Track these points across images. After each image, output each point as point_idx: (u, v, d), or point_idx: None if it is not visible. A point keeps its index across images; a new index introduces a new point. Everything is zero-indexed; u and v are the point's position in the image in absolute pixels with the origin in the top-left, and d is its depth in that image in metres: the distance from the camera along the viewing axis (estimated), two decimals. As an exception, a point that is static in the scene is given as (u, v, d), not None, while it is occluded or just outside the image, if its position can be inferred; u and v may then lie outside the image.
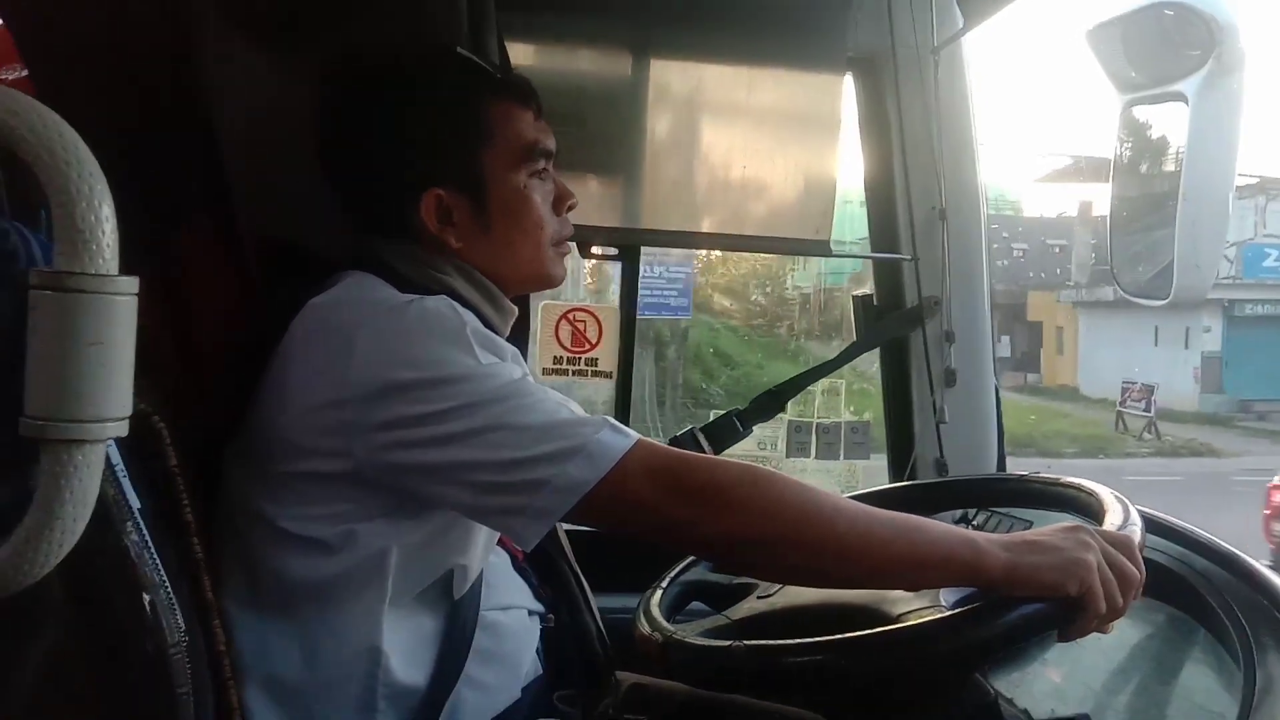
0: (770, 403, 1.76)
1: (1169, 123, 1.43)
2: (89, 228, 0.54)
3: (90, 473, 0.57)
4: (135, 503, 0.80)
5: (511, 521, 0.93)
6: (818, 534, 0.90)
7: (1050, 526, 0.92)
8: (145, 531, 0.80)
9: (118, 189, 0.59)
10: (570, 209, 1.14)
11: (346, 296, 1.01)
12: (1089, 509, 1.05)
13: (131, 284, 0.57)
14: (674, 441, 1.70)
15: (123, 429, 0.58)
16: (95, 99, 0.96)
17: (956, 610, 0.88)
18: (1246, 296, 20.19)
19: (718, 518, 0.90)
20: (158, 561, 0.80)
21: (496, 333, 1.08)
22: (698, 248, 2.01)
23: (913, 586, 0.93)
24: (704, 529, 0.92)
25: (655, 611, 1.10)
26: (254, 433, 0.99)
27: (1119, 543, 0.89)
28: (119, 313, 0.56)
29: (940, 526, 0.93)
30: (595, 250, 1.74)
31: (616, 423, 0.93)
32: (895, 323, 1.74)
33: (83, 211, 0.54)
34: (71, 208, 0.54)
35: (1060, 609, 0.85)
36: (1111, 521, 0.97)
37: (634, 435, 0.92)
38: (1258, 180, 20.33)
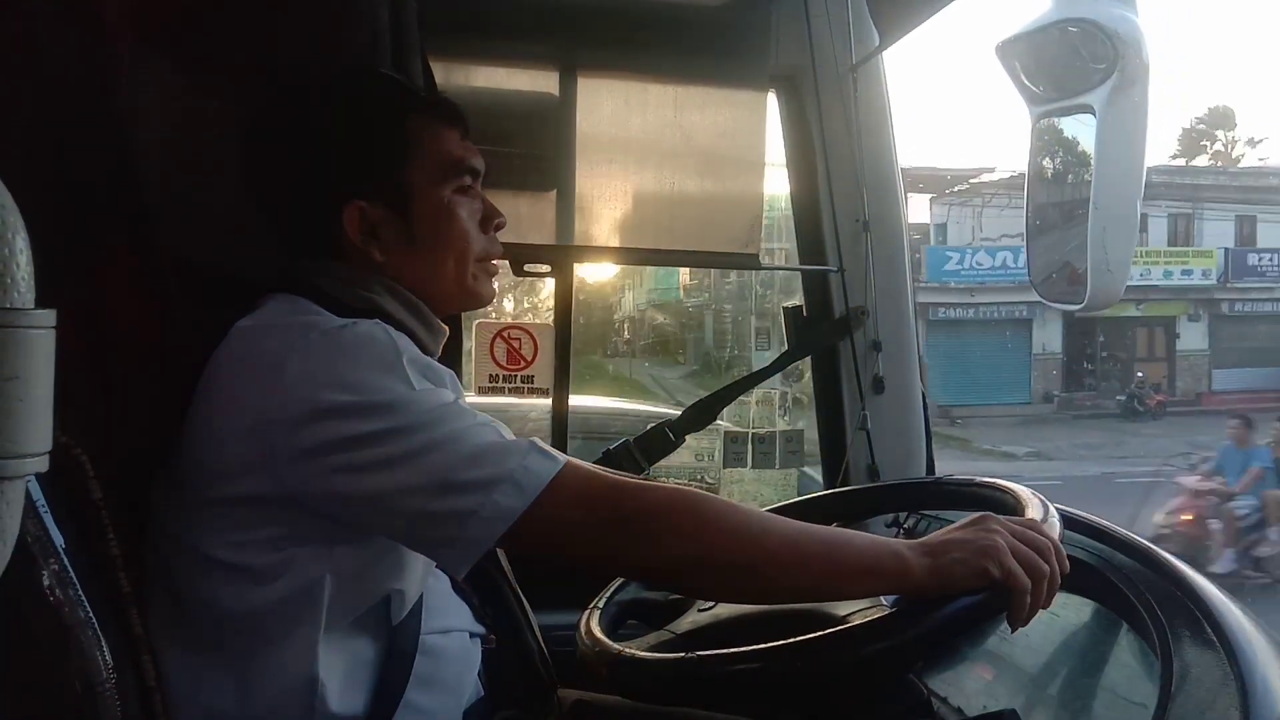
0: (702, 413, 1.78)
1: (1078, 133, 1.49)
2: (2, 261, 0.53)
3: (10, 510, 0.56)
4: (59, 539, 0.78)
5: (440, 551, 0.93)
6: (748, 554, 0.91)
7: (958, 523, 0.95)
8: (69, 568, 0.78)
9: (35, 218, 0.58)
10: (498, 228, 1.14)
11: (275, 320, 1.00)
12: (1008, 508, 1.09)
13: (49, 317, 0.56)
14: (607, 455, 1.72)
15: (43, 464, 0.57)
16: (8, 127, 0.94)
17: (899, 607, 0.90)
18: (937, 300, 20.26)
19: (646, 543, 0.91)
20: (83, 598, 0.78)
21: (428, 352, 1.08)
22: (629, 263, 2.03)
23: (843, 598, 0.95)
24: (633, 554, 0.93)
25: (595, 630, 1.11)
26: (181, 460, 0.97)
27: (1020, 521, 0.94)
28: (36, 346, 0.55)
29: (866, 538, 0.95)
30: (528, 268, 1.74)
31: (543, 445, 0.93)
32: (823, 333, 1.78)
33: (-3, 245, 0.53)
34: (-15, 241, 0.53)
35: (994, 595, 0.87)
36: (1033, 516, 1.01)
37: (561, 458, 0.92)
38: (968, 185, 21.13)
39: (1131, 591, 1.06)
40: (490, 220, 1.13)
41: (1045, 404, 20.95)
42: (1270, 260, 21.84)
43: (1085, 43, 1.41)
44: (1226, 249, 21.80)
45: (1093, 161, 1.38)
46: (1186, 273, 21.34)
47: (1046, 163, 1.59)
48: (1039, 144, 1.57)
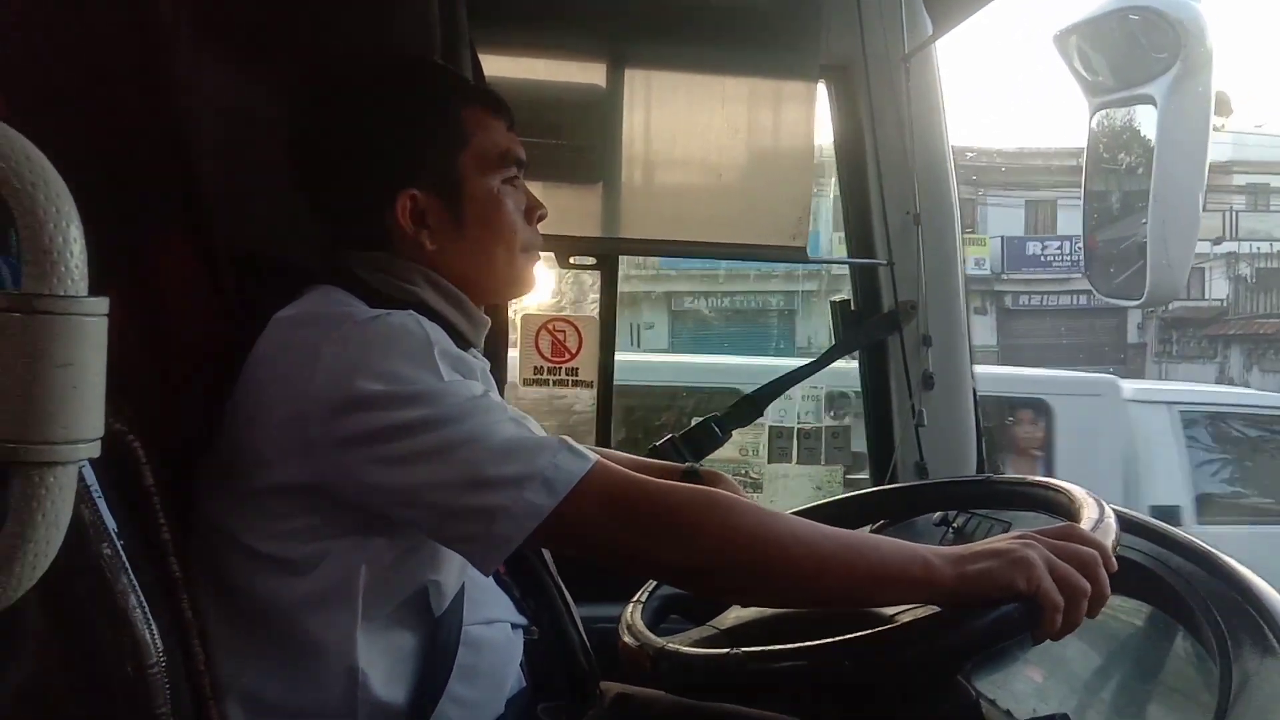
0: (749, 408, 1.76)
1: (1138, 124, 1.45)
2: (57, 249, 0.54)
3: (63, 495, 0.57)
4: (111, 523, 0.79)
5: (469, 547, 0.93)
6: (773, 560, 0.91)
7: (996, 537, 0.93)
8: (122, 552, 0.79)
9: (91, 206, 0.59)
10: (540, 219, 1.15)
11: (312, 310, 1.01)
12: (1062, 508, 1.07)
13: (101, 304, 0.57)
14: (653, 450, 1.71)
15: (95, 450, 0.58)
16: (66, 117, 0.95)
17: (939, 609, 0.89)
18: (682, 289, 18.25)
19: (672, 545, 0.91)
20: (135, 582, 0.79)
21: (469, 342, 1.09)
22: (675, 255, 2.02)
23: (868, 605, 0.93)
24: (659, 556, 0.93)
25: (638, 623, 1.10)
26: (223, 449, 0.99)
27: (1063, 535, 0.91)
28: (89, 334, 0.56)
29: (893, 545, 0.93)
30: (573, 260, 1.74)
31: (573, 443, 0.93)
32: (872, 327, 1.76)
33: (50, 233, 0.53)
34: (39, 229, 0.53)
35: (1022, 609, 0.85)
36: (1088, 518, 0.98)
37: (591, 457, 0.92)
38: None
39: (1190, 595, 1.03)
40: (534, 211, 1.14)
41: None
42: (1056, 248, 20.18)
43: (1146, 31, 1.37)
44: (1002, 237, 20.12)
45: (1154, 153, 1.34)
46: (980, 262, 19.37)
47: (1105, 154, 1.56)
48: (1097, 135, 1.54)
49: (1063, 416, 4.79)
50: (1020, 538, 0.90)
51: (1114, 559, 0.90)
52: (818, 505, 1.43)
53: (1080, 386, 5.36)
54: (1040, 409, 4.79)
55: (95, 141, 0.97)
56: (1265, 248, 20.55)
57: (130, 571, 0.79)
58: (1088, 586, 0.86)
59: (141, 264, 1.02)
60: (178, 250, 1.07)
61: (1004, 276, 20.15)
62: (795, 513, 1.37)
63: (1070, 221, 20.25)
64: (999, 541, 0.91)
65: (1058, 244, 20.30)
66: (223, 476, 0.98)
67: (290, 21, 1.18)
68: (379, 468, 0.92)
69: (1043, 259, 20.35)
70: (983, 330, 19.19)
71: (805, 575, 0.91)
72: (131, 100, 1.03)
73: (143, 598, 0.79)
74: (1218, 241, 20.25)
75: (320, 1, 1.18)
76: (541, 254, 1.20)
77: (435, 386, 0.92)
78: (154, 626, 0.79)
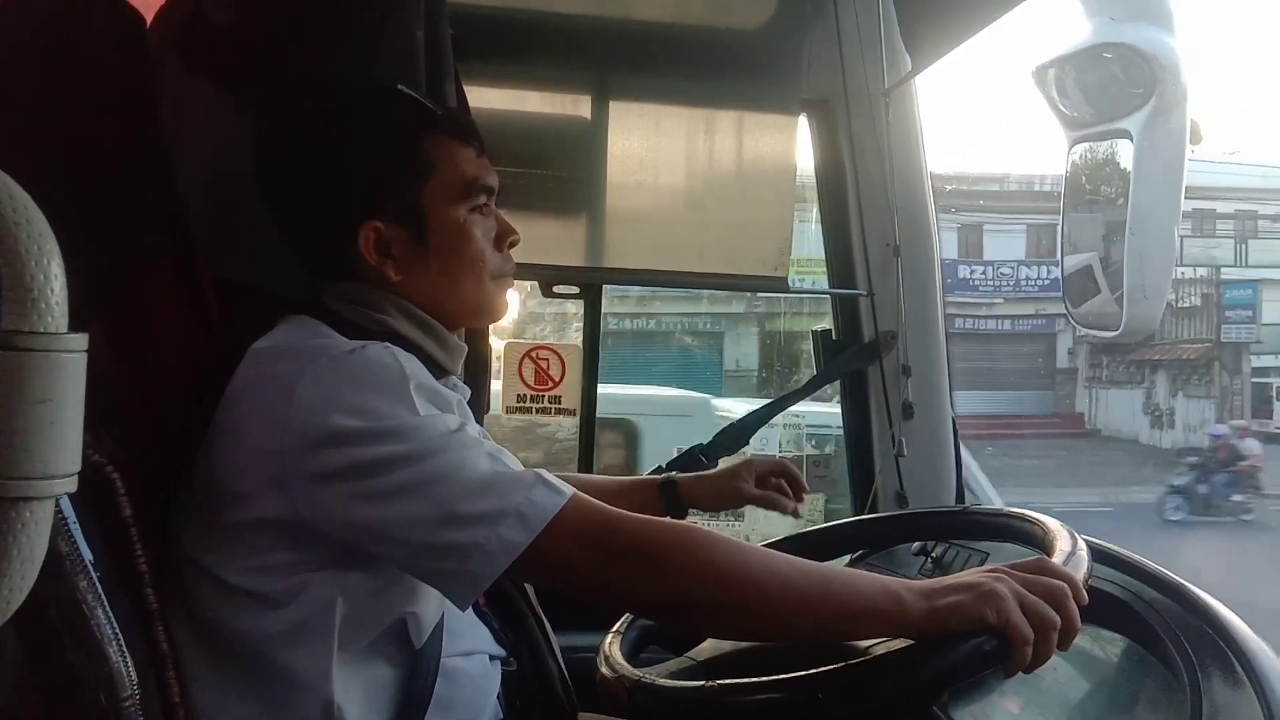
0: (735, 436, 1.77)
1: (1115, 158, 1.47)
2: (38, 287, 0.54)
3: (39, 529, 0.57)
4: (88, 555, 0.80)
5: (445, 583, 0.94)
6: (748, 595, 0.91)
7: (969, 570, 0.94)
8: (98, 583, 0.80)
9: (75, 236, 0.60)
10: (511, 245, 1.14)
11: (288, 343, 1.01)
12: (1036, 539, 1.08)
13: (81, 341, 0.57)
14: None
15: (72, 485, 0.58)
16: (51, 146, 0.96)
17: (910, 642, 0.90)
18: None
19: (647, 580, 0.92)
20: (110, 614, 0.79)
21: (446, 370, 1.09)
22: (658, 285, 2.04)
23: (841, 639, 0.93)
24: (633, 591, 0.94)
25: (617, 654, 1.10)
26: (199, 483, 0.99)
27: (1033, 568, 0.92)
28: (68, 370, 0.56)
29: (867, 579, 0.94)
30: (557, 289, 1.75)
31: (549, 477, 0.93)
32: (853, 357, 1.77)
33: (31, 271, 0.54)
34: (20, 267, 0.54)
35: (992, 643, 0.86)
36: (1061, 550, 0.99)
37: (567, 491, 0.92)
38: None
39: (1161, 627, 1.04)
40: (504, 238, 1.13)
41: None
42: (982, 273, 20.57)
43: (1123, 67, 1.40)
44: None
45: (1130, 187, 1.37)
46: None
47: (1082, 187, 1.58)
48: (1076, 168, 1.56)
49: (650, 437, 4.49)
50: (991, 571, 0.91)
51: (1084, 592, 0.90)
52: (799, 535, 1.44)
53: (671, 406, 5.28)
54: (628, 429, 4.50)
55: (80, 170, 0.98)
56: (1189, 273, 20.76)
57: (106, 603, 0.79)
58: (1057, 619, 0.86)
59: (126, 294, 1.02)
60: (162, 280, 1.07)
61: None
62: (776, 542, 1.38)
63: (996, 246, 20.63)
64: (970, 575, 0.92)
65: (983, 268, 20.62)
66: (199, 510, 0.98)
67: (276, 53, 1.19)
68: (354, 503, 0.92)
69: (971, 282, 20.58)
70: None
71: (779, 610, 0.92)
72: (118, 130, 1.03)
73: (118, 629, 0.79)
74: None
75: (306, 33, 1.19)
76: (527, 282, 1.21)
77: (411, 422, 0.93)
78: (129, 658, 0.79)
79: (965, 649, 0.86)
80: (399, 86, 1.14)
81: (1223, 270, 21.12)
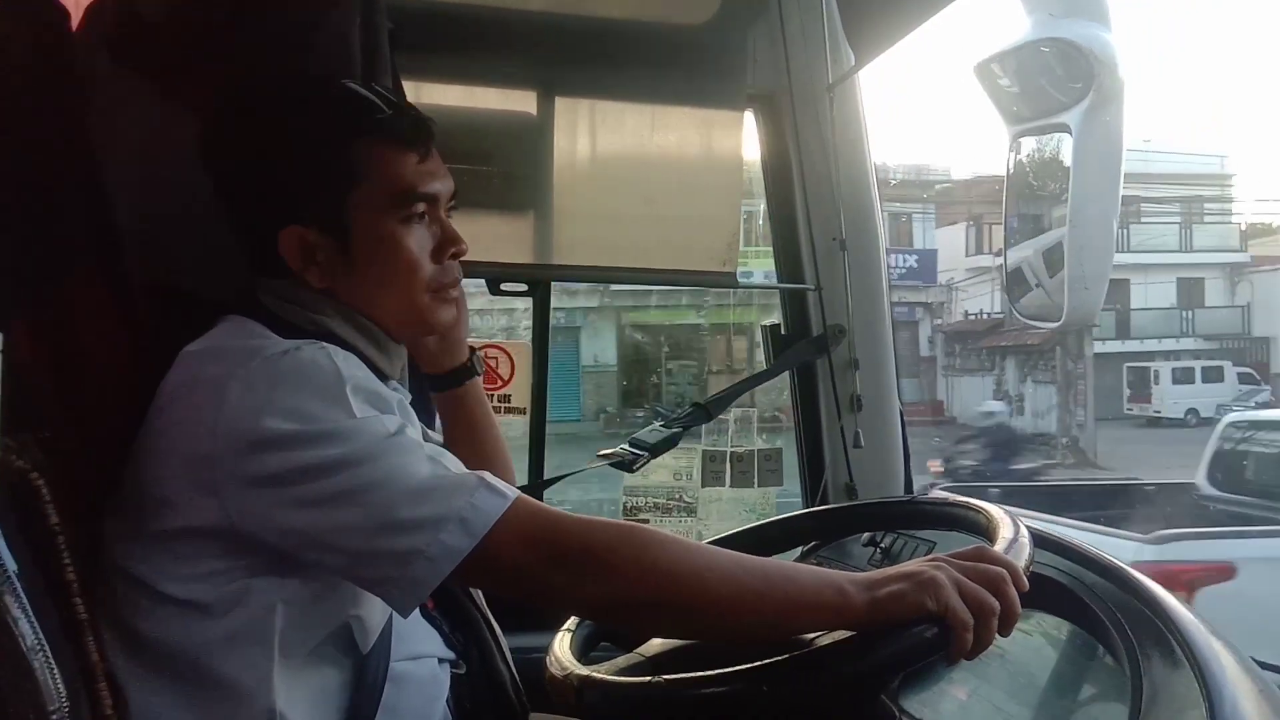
0: (701, 414, 1.77)
1: (1055, 152, 1.49)
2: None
3: (-52, 537, 0.55)
4: (11, 565, 0.77)
5: (386, 590, 0.92)
6: (690, 594, 0.91)
7: (910, 560, 0.96)
8: (23, 594, 0.77)
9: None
10: (455, 256, 1.09)
11: (220, 344, 0.99)
12: (979, 527, 1.09)
13: (-10, 339, 0.55)
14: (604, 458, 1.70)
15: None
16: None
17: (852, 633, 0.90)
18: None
19: (591, 583, 0.91)
20: (36, 625, 0.76)
21: (383, 375, 1.07)
22: (607, 282, 2.03)
23: (786, 635, 0.94)
24: (578, 594, 0.93)
25: (566, 652, 1.09)
26: (128, 492, 0.96)
27: (973, 556, 0.93)
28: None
29: (810, 574, 0.96)
30: (505, 287, 1.74)
31: (492, 480, 0.92)
32: (801, 351, 1.78)
33: (-66, 268, 0.52)
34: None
35: (933, 630, 0.87)
36: (1003, 537, 1.00)
37: (510, 495, 0.91)
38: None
39: (1103, 611, 1.05)
40: (445, 248, 1.07)
41: (595, 421, 17.27)
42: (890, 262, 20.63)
43: (1061, 62, 1.42)
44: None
45: (1069, 179, 1.39)
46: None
47: (1023, 181, 1.60)
48: (1017, 163, 1.58)
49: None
50: (931, 560, 0.92)
51: (1025, 578, 0.91)
52: (751, 528, 1.44)
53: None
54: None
55: (3, 170, 0.95)
56: None
57: (31, 615, 0.77)
58: (995, 604, 0.87)
59: (52, 298, 1.00)
60: (91, 284, 1.05)
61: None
62: (728, 536, 1.38)
63: (930, 235, 20.80)
64: (910, 565, 0.93)
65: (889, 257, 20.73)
66: (130, 518, 0.95)
67: (208, 47, 1.16)
68: (288, 510, 0.90)
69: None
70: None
71: (721, 608, 0.92)
72: (43, 129, 1.00)
73: (44, 641, 0.77)
74: (998, 253, 20.79)
75: (238, 28, 1.16)
76: (473, 280, 1.19)
77: (346, 425, 0.91)
78: (56, 670, 0.77)
79: (906, 637, 0.87)
80: (344, 81, 1.09)
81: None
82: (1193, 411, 20.09)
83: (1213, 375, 22.01)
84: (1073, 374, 19.46)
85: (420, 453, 0.92)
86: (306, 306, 1.04)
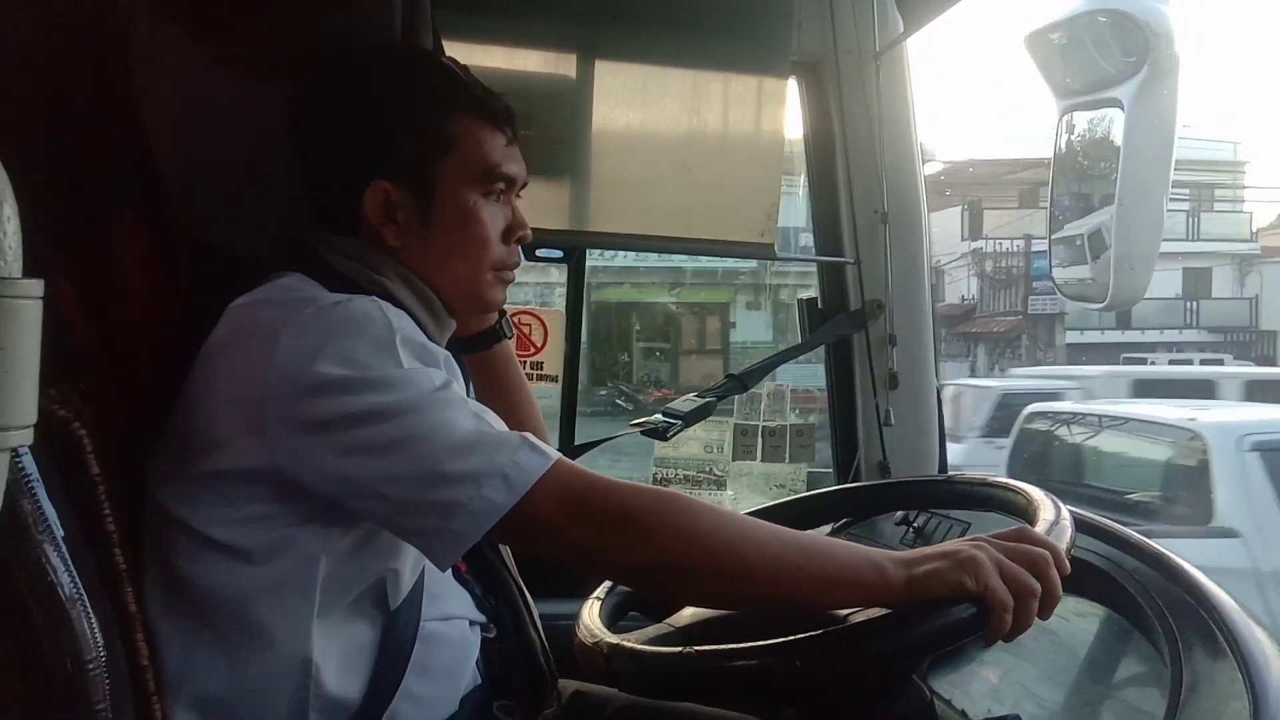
0: (736, 384, 1.76)
1: (1105, 127, 1.45)
2: (-13, 229, 0.52)
3: (-7, 481, 0.55)
4: (52, 514, 0.78)
5: (427, 542, 0.92)
6: (727, 562, 0.91)
7: (951, 540, 0.94)
8: (62, 543, 0.78)
9: (42, 189, 0.57)
10: (520, 241, 1.12)
11: (273, 296, 0.99)
12: (1019, 509, 1.07)
13: (36, 286, 0.55)
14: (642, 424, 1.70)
15: (28, 437, 0.56)
16: (15, 97, 0.93)
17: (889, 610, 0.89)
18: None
19: (629, 546, 0.91)
20: (75, 574, 0.77)
21: (433, 340, 1.07)
22: (643, 250, 2.01)
23: (821, 609, 0.93)
24: (615, 557, 0.93)
25: (596, 620, 1.10)
26: (175, 435, 0.97)
27: (1015, 537, 0.92)
28: (22, 316, 0.54)
29: (847, 549, 0.94)
30: (540, 253, 1.73)
31: (535, 440, 0.92)
32: (838, 325, 1.76)
33: (-21, 212, 0.51)
34: (-31, 209, 0.51)
35: (972, 610, 0.86)
36: (1044, 519, 0.99)
37: (553, 455, 0.91)
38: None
39: (1143, 597, 1.03)
40: (514, 231, 1.11)
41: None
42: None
43: (1116, 34, 1.38)
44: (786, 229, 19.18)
45: (1119, 156, 1.35)
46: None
47: (1072, 157, 1.57)
48: (1065, 137, 1.55)
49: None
50: (972, 540, 0.91)
51: (1066, 561, 0.90)
52: (782, 503, 1.43)
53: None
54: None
55: (48, 125, 0.95)
56: (1006, 245, 20.94)
57: (71, 564, 0.78)
58: (1037, 586, 0.86)
59: (95, 249, 1.00)
60: (133, 237, 1.05)
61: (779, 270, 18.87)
62: (759, 510, 1.37)
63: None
64: (949, 544, 0.92)
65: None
66: (177, 462, 0.96)
67: (248, 4, 1.16)
68: (336, 456, 0.90)
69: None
70: (757, 325, 17.88)
71: (758, 577, 0.91)
72: (86, 85, 1.01)
73: (83, 590, 0.78)
74: (965, 239, 20.55)
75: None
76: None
77: (395, 374, 0.91)
78: (94, 620, 0.78)
79: (943, 616, 0.86)
80: (444, 58, 1.15)
81: (1033, 241, 20.89)
82: None
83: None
84: (1042, 363, 19.24)
85: (465, 408, 0.93)
86: (369, 265, 1.05)
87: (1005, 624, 0.85)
